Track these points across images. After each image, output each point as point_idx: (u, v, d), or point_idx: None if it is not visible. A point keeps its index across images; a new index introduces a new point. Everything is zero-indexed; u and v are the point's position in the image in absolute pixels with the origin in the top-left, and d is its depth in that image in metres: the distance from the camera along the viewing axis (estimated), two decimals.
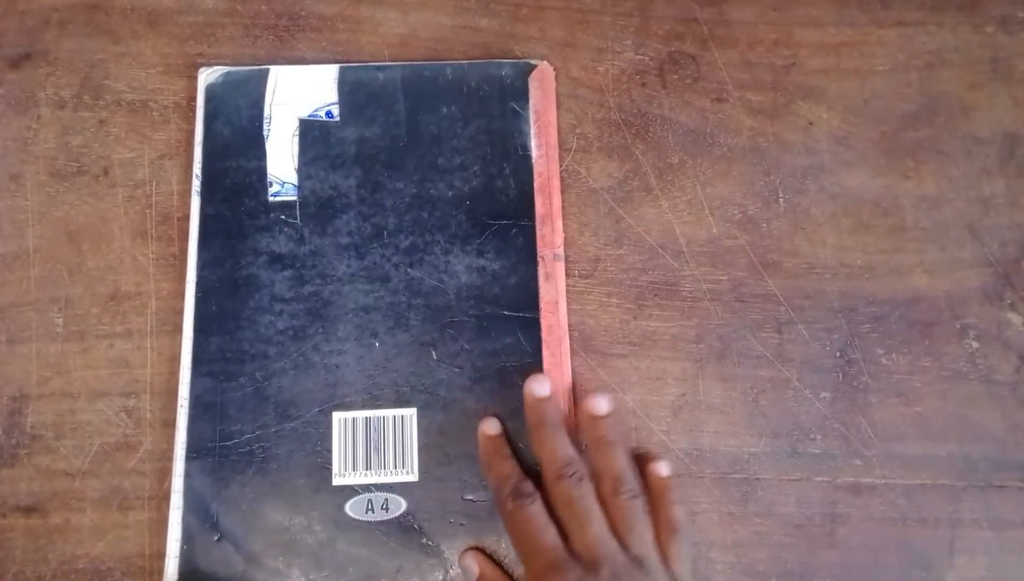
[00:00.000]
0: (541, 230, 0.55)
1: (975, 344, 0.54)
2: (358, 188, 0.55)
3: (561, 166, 0.56)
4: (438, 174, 0.56)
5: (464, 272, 0.54)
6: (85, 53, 0.57)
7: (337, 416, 0.52)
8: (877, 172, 0.57)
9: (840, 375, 0.53)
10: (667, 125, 0.57)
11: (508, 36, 0.58)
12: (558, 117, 0.57)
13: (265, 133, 0.56)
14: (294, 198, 0.55)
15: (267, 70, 0.57)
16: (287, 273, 0.53)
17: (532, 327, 0.53)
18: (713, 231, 0.55)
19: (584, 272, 0.55)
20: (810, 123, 0.57)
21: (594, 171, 0.56)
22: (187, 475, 0.50)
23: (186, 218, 0.54)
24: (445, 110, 0.57)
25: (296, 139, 0.56)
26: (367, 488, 0.50)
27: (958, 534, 0.51)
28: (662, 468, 0.50)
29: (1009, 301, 0.55)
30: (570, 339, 0.53)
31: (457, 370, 0.52)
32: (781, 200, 0.56)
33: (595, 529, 0.46)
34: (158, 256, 0.54)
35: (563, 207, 0.55)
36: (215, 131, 0.55)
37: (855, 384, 0.53)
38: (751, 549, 0.51)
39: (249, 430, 0.51)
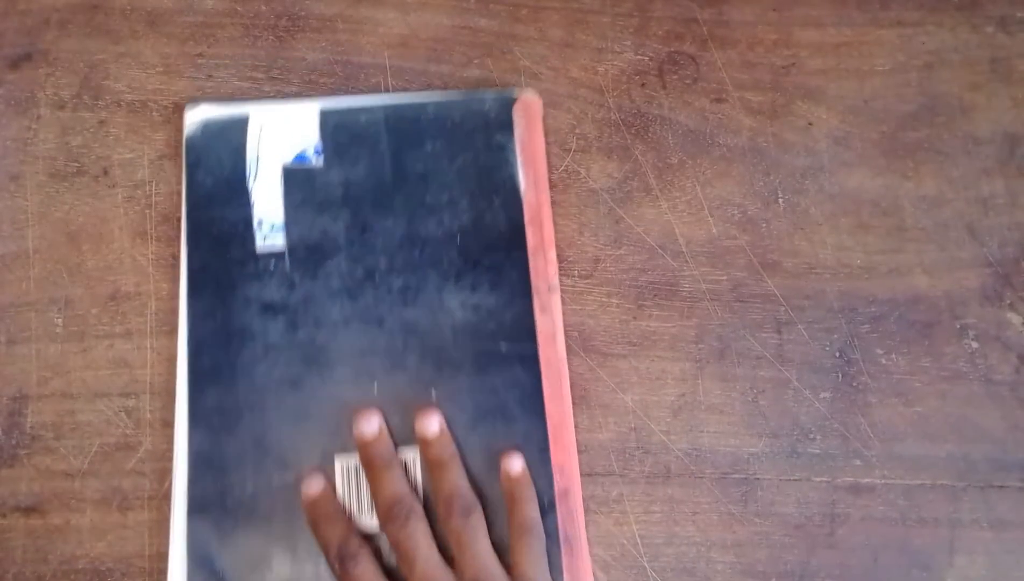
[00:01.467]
0: (534, 262, 0.54)
1: (975, 344, 0.54)
2: (347, 230, 0.54)
3: (561, 166, 0.56)
4: (427, 212, 0.55)
5: (459, 309, 0.53)
6: (85, 53, 0.57)
7: (340, 462, 0.51)
8: (876, 172, 0.57)
9: (840, 375, 0.53)
10: (667, 125, 0.57)
11: (508, 36, 0.59)
12: (557, 117, 0.57)
13: (251, 177, 0.55)
14: (283, 245, 0.54)
15: (247, 117, 0.56)
16: (280, 321, 0.53)
17: (530, 361, 0.52)
18: (713, 231, 0.55)
19: (584, 272, 0.55)
20: (809, 123, 0.57)
21: (593, 171, 0.56)
22: (190, 533, 0.49)
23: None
24: (430, 147, 0.56)
25: (281, 185, 0.55)
26: (375, 534, 0.49)
27: (958, 534, 0.51)
28: (513, 465, 0.50)
29: (1009, 301, 0.55)
30: (570, 339, 0.53)
31: (458, 409, 0.52)
32: (780, 200, 0.56)
33: (421, 566, 0.45)
34: (158, 256, 0.54)
35: (562, 207, 0.55)
36: (198, 181, 0.55)
37: (855, 384, 0.53)
38: (751, 549, 0.51)
39: (251, 482, 0.50)
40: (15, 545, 0.50)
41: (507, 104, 0.57)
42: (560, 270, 0.54)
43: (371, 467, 0.49)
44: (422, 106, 0.57)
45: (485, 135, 0.56)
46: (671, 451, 0.52)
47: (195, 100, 0.56)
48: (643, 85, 0.58)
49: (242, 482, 0.50)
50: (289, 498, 0.50)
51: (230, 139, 0.55)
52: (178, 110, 0.56)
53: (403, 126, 0.56)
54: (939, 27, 0.59)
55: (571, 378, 0.53)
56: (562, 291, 0.54)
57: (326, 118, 0.56)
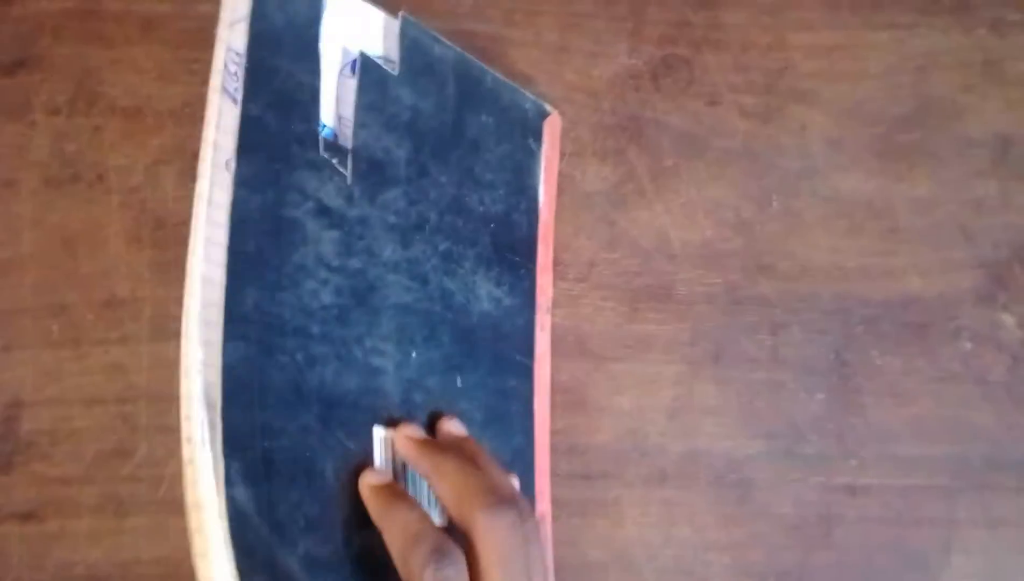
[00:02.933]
0: (540, 279, 0.53)
1: (968, 345, 0.54)
2: (407, 164, 0.47)
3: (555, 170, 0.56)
4: (474, 183, 0.50)
5: (486, 299, 0.49)
6: (79, 59, 0.57)
7: (379, 434, 0.42)
8: (870, 175, 0.57)
9: (835, 377, 0.54)
10: (661, 129, 0.57)
11: (503, 40, 0.58)
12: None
13: (323, 41, 0.45)
14: (349, 143, 0.44)
15: None
16: (335, 234, 0.43)
17: (529, 376, 0.51)
18: (707, 234, 0.56)
19: (579, 276, 0.55)
20: (803, 126, 0.58)
21: (588, 175, 0.56)
22: (229, 482, 0.36)
23: (182, 224, 0.54)
24: (484, 118, 0.51)
25: (356, 76, 0.45)
26: None
27: (954, 534, 0.52)
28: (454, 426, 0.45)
29: (1002, 302, 0.55)
30: (565, 343, 0.53)
31: (476, 406, 0.47)
32: (775, 203, 0.56)
33: None
34: (153, 262, 0.54)
35: (557, 211, 0.55)
36: (268, 14, 0.42)
37: (850, 385, 0.53)
38: (747, 550, 0.51)
39: (292, 430, 0.39)
40: (11, 552, 0.50)
41: (542, 114, 0.55)
42: (555, 273, 0.54)
43: (384, 501, 0.40)
44: (484, 72, 0.52)
45: (522, 134, 0.54)
46: (667, 453, 0.52)
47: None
48: (637, 88, 0.58)
49: (283, 428, 0.39)
50: (331, 462, 0.40)
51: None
52: (173, 115, 0.56)
53: (468, 82, 0.51)
54: (931, 29, 0.60)
55: (567, 382, 0.53)
56: (557, 294, 0.54)
57: (407, 27, 0.48)
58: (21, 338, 0.52)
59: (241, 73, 0.40)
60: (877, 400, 0.53)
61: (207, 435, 0.36)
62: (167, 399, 0.51)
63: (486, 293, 0.49)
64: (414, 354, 0.45)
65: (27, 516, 0.50)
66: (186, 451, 0.36)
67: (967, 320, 0.55)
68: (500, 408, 0.49)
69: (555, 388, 0.53)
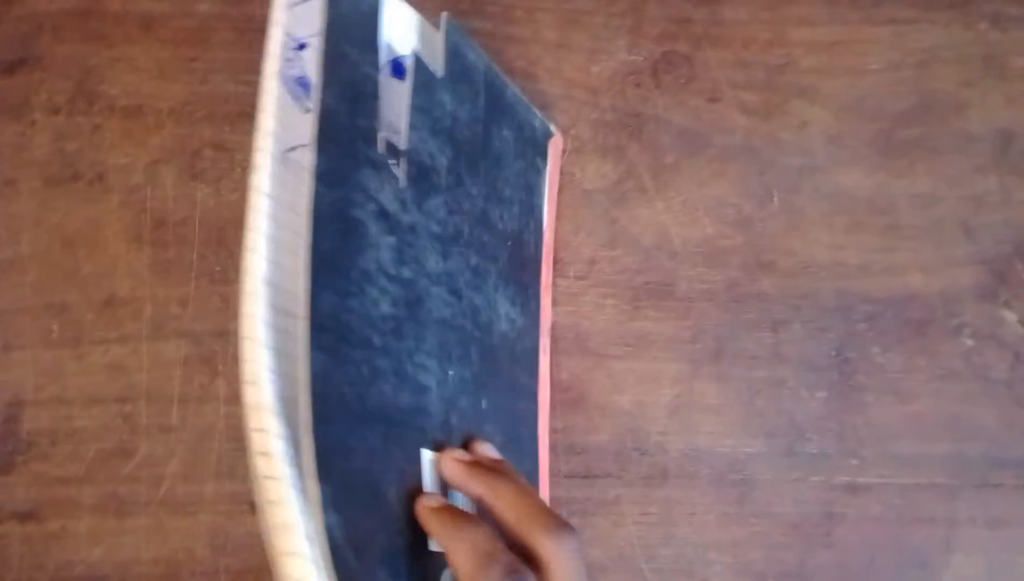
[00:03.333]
0: (543, 300, 0.52)
1: (970, 342, 0.54)
2: (448, 172, 0.44)
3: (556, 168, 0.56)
4: (497, 198, 0.48)
5: (504, 319, 0.47)
6: (79, 59, 0.57)
7: (427, 455, 0.39)
8: (871, 171, 0.57)
9: (836, 374, 0.53)
10: (661, 125, 0.57)
11: (503, 38, 0.58)
12: (552, 119, 0.57)
13: (381, 28, 0.42)
14: (404, 144, 0.41)
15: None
16: (391, 240, 0.40)
17: (534, 399, 0.50)
18: (708, 231, 0.55)
19: (579, 273, 0.55)
20: (804, 122, 0.57)
21: (588, 172, 0.56)
22: (326, 506, 0.32)
23: (182, 223, 0.54)
24: (505, 132, 0.50)
25: (410, 77, 0.42)
26: None
27: (954, 533, 0.51)
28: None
29: (1003, 298, 0.55)
30: (566, 341, 0.53)
31: (497, 427, 0.45)
32: (776, 199, 0.56)
33: None
34: (153, 261, 0.54)
35: (558, 208, 0.55)
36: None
37: (851, 383, 0.53)
38: (748, 549, 0.51)
39: (361, 450, 0.36)
40: (12, 552, 0.50)
41: (546, 134, 0.54)
42: (556, 271, 0.54)
43: (448, 522, 0.37)
44: (506, 85, 0.51)
45: (532, 152, 0.53)
46: (668, 452, 0.52)
47: None
48: (637, 85, 0.58)
49: (351, 446, 0.35)
50: (392, 487, 0.37)
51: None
52: (173, 114, 0.56)
53: (494, 93, 0.49)
54: (932, 24, 0.59)
55: (567, 380, 0.53)
56: (558, 292, 0.54)
57: (451, 31, 0.45)
58: (21, 338, 0.52)
59: (308, 57, 0.38)
60: (878, 398, 0.53)
61: (288, 450, 0.33)
62: (167, 399, 0.51)
63: (504, 312, 0.48)
64: (451, 372, 0.43)
65: (27, 516, 0.50)
66: (263, 466, 0.33)
67: (968, 317, 0.55)
68: (514, 432, 0.48)
69: (555, 386, 0.53)
